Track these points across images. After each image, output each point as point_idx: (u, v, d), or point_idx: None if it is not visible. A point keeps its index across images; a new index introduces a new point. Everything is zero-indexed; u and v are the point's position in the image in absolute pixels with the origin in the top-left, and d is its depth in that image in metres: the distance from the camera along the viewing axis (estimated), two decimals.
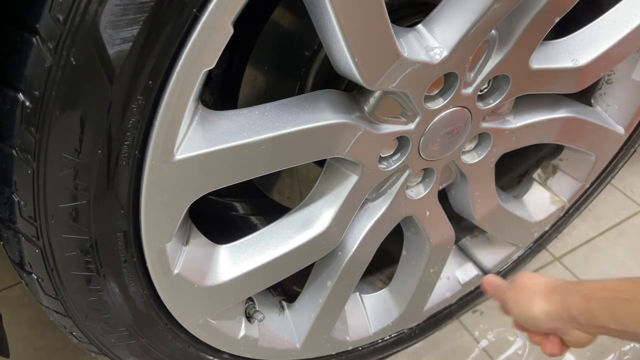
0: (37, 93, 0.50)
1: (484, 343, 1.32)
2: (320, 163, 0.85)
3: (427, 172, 0.90)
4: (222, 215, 1.07)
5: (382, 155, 0.81)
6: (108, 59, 0.50)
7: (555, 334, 0.80)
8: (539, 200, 1.22)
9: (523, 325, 0.84)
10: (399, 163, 0.82)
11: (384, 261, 1.17)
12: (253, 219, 1.08)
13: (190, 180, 0.64)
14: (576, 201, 1.26)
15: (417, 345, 1.30)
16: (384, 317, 1.13)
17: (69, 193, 0.57)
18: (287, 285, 1.03)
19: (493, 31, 0.72)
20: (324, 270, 0.94)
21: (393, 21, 0.64)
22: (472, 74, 0.76)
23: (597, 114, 1.07)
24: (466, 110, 0.80)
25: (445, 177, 0.95)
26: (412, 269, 1.09)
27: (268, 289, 0.98)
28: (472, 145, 0.92)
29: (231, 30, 0.55)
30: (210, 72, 0.57)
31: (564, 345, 0.80)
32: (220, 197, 1.06)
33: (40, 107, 0.51)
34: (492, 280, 0.91)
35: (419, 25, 0.70)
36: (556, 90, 0.89)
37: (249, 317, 0.93)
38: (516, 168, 1.24)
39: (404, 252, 1.09)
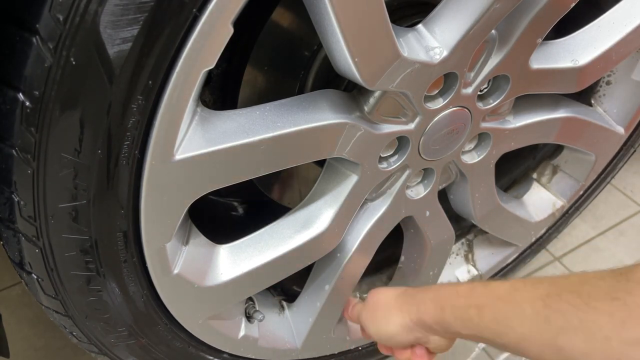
0: (37, 93, 0.50)
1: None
2: (321, 163, 0.85)
3: (427, 172, 0.90)
4: (222, 215, 1.07)
5: (382, 155, 0.81)
6: (108, 59, 0.50)
7: (419, 345, 0.78)
8: (539, 201, 1.22)
9: (386, 346, 0.82)
10: (399, 163, 0.82)
11: (384, 261, 1.17)
12: (253, 218, 1.08)
13: (190, 180, 0.64)
14: (576, 201, 1.26)
15: None
16: None
17: (69, 193, 0.57)
18: (287, 285, 1.03)
19: (493, 31, 0.72)
20: (324, 271, 0.94)
21: (393, 21, 0.64)
22: (472, 74, 0.76)
23: (597, 114, 1.07)
24: (466, 110, 0.80)
25: (445, 177, 0.95)
26: (412, 269, 1.09)
27: (268, 289, 0.98)
28: (472, 145, 0.92)
29: (231, 30, 0.55)
30: (210, 72, 0.57)
31: (431, 354, 0.79)
32: (220, 197, 1.06)
33: (40, 107, 0.51)
34: (349, 302, 0.87)
35: (419, 25, 0.70)
36: (556, 90, 0.89)
37: (249, 317, 0.93)
38: (514, 169, 1.24)
39: (403, 252, 1.09)
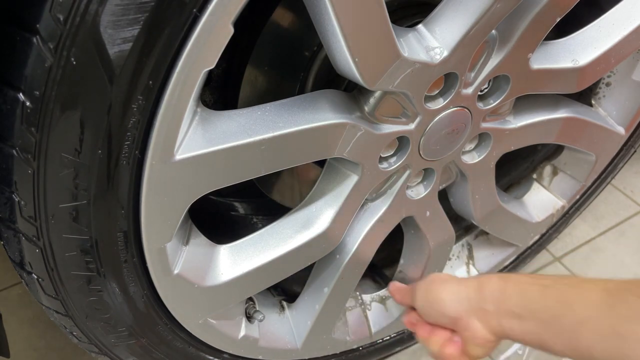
0: (37, 93, 0.50)
1: None
2: (321, 163, 0.85)
3: (427, 172, 0.90)
4: (222, 215, 1.07)
5: (383, 156, 0.81)
6: (108, 58, 0.50)
7: (456, 334, 0.75)
8: (539, 201, 1.22)
9: (422, 312, 0.79)
10: (399, 163, 0.82)
11: (384, 261, 1.17)
12: (253, 219, 1.08)
13: (191, 180, 0.64)
14: (576, 201, 1.26)
15: (417, 345, 1.30)
16: (385, 317, 1.13)
17: (69, 193, 0.57)
18: (287, 285, 1.03)
19: (493, 31, 0.72)
20: (323, 272, 0.94)
21: (393, 21, 0.64)
22: (472, 74, 0.76)
23: (597, 114, 1.07)
24: (466, 110, 0.80)
25: (446, 177, 0.95)
26: (412, 271, 1.09)
27: (268, 289, 0.98)
28: (472, 146, 0.92)
29: (231, 30, 0.55)
30: (210, 72, 0.57)
31: (464, 355, 0.75)
32: (220, 197, 1.06)
33: (40, 107, 0.51)
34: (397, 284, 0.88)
35: (419, 25, 0.70)
36: (556, 91, 0.89)
37: (249, 317, 0.93)
38: (515, 170, 1.24)
39: (403, 254, 1.09)
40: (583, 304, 0.61)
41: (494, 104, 0.82)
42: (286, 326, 1.00)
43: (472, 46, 0.71)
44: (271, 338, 0.97)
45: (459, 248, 1.23)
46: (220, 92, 0.92)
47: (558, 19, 0.76)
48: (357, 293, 1.12)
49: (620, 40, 0.87)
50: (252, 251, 0.81)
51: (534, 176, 1.23)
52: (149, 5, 0.49)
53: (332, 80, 0.81)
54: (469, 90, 0.77)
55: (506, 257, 1.27)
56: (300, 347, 1.00)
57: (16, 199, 0.57)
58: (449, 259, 1.20)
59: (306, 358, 1.05)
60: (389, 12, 0.62)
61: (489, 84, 0.81)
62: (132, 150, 0.57)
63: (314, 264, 0.91)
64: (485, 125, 0.86)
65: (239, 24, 0.56)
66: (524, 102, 0.91)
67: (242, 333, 0.91)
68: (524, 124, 0.92)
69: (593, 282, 0.63)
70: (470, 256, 1.23)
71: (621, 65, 0.99)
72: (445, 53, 0.69)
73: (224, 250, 0.80)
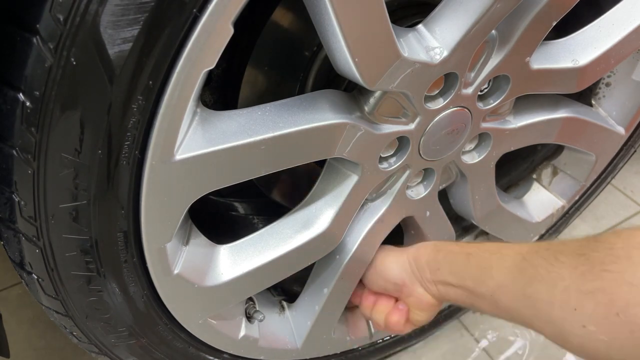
0: (37, 93, 0.50)
1: (484, 343, 1.32)
2: (321, 163, 0.85)
3: (427, 172, 0.90)
4: (222, 215, 1.07)
5: (383, 156, 0.81)
6: (108, 59, 0.50)
7: (403, 302, 0.82)
8: (539, 201, 1.22)
9: (368, 281, 0.87)
10: (399, 163, 0.82)
11: None
12: (253, 219, 1.08)
13: (191, 180, 0.64)
14: (576, 201, 1.26)
15: (417, 345, 1.30)
16: None
17: (69, 193, 0.57)
18: (287, 285, 1.03)
19: (493, 31, 0.72)
20: (323, 272, 0.94)
21: (393, 21, 0.64)
22: (472, 74, 0.76)
23: (597, 114, 1.07)
24: (466, 110, 0.80)
25: (446, 177, 0.95)
26: None
27: (268, 289, 0.98)
28: (472, 146, 0.92)
29: (231, 31, 0.55)
30: (210, 72, 0.57)
31: (409, 322, 0.83)
32: (220, 197, 1.06)
33: (40, 107, 0.51)
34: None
35: (419, 26, 0.70)
36: (556, 91, 0.89)
37: (249, 317, 0.93)
38: (514, 170, 1.24)
39: None
40: (500, 270, 0.66)
41: (494, 104, 0.82)
42: (286, 326, 1.00)
43: (472, 46, 0.71)
44: (271, 338, 0.97)
45: None
46: (220, 92, 0.93)
47: (558, 20, 0.76)
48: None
49: (620, 40, 0.87)
50: (252, 251, 0.81)
51: (534, 176, 1.23)
52: (149, 5, 0.49)
53: (332, 80, 0.81)
54: (469, 90, 0.77)
55: None
56: (300, 347, 1.00)
57: (16, 199, 0.57)
58: None
59: (306, 358, 1.05)
60: (389, 12, 0.62)
61: (489, 84, 0.81)
62: (132, 150, 0.57)
63: (314, 264, 0.91)
64: (485, 125, 0.86)
65: (239, 24, 0.56)
66: (524, 102, 0.91)
67: (242, 333, 0.91)
68: (524, 124, 0.92)
69: (511, 247, 0.68)
70: None
71: (621, 65, 0.99)
72: (445, 53, 0.69)
73: (224, 251, 0.80)
